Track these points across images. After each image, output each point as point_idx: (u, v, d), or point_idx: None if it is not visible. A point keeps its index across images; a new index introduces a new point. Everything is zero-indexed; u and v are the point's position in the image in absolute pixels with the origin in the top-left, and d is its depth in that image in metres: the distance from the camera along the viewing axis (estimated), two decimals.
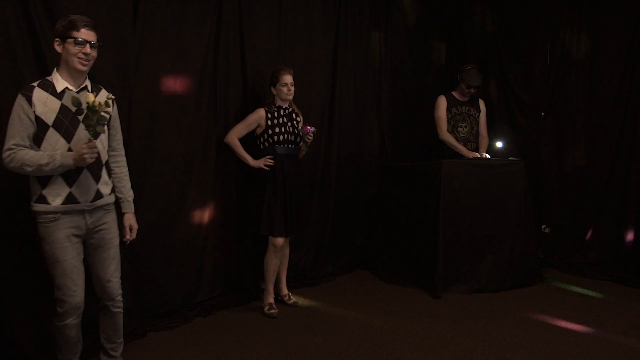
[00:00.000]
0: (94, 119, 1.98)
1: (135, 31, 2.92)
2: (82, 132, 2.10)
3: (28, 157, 2.01)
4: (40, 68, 2.51)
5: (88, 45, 2.09)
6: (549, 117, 4.64)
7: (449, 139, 4.22)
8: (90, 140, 2.02)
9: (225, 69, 3.40)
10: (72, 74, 2.13)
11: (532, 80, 4.74)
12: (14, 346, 2.33)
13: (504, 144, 4.48)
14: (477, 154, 4.13)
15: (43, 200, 2.08)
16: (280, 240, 3.27)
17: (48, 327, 2.56)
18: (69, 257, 2.10)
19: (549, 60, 4.63)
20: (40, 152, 2.05)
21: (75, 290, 2.11)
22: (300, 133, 3.36)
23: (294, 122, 3.40)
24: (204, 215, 3.34)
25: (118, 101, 2.85)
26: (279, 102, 3.38)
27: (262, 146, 3.36)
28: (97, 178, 2.19)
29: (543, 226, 4.59)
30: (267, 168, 3.28)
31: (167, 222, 3.11)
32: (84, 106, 1.99)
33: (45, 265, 2.16)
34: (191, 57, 3.21)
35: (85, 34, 2.09)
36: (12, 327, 2.33)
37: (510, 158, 4.09)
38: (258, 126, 3.35)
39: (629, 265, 4.06)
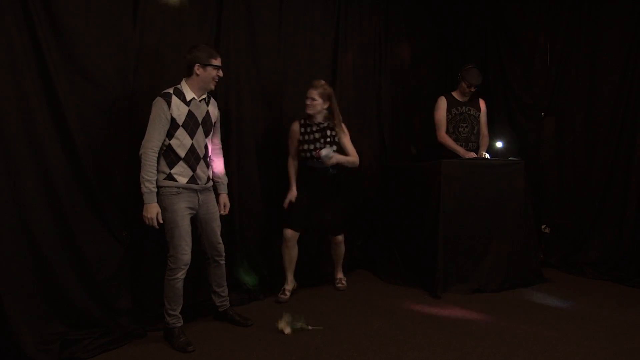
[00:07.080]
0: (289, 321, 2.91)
1: (135, 31, 2.91)
2: (200, 133, 2.72)
3: (149, 163, 2.56)
4: (41, 68, 2.51)
5: (220, 70, 2.75)
6: (549, 117, 4.64)
7: (447, 140, 4.22)
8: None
9: (226, 68, 3.39)
10: (202, 89, 2.73)
11: (532, 80, 4.74)
12: (14, 346, 2.33)
13: (504, 144, 4.47)
14: (473, 153, 4.12)
15: (171, 178, 2.64)
16: (288, 232, 3.46)
17: (48, 327, 2.57)
18: (185, 224, 2.66)
19: (549, 60, 4.63)
20: (154, 170, 2.58)
21: (186, 250, 2.66)
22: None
23: (327, 138, 3.48)
24: None
25: (118, 101, 2.86)
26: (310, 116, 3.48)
27: (300, 157, 3.56)
28: (208, 166, 2.84)
29: (543, 226, 4.59)
30: None
31: None
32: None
33: (47, 266, 2.36)
34: None
35: (219, 61, 2.73)
36: (12, 327, 2.33)
37: (510, 158, 4.09)
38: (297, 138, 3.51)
39: (629, 265, 4.07)
